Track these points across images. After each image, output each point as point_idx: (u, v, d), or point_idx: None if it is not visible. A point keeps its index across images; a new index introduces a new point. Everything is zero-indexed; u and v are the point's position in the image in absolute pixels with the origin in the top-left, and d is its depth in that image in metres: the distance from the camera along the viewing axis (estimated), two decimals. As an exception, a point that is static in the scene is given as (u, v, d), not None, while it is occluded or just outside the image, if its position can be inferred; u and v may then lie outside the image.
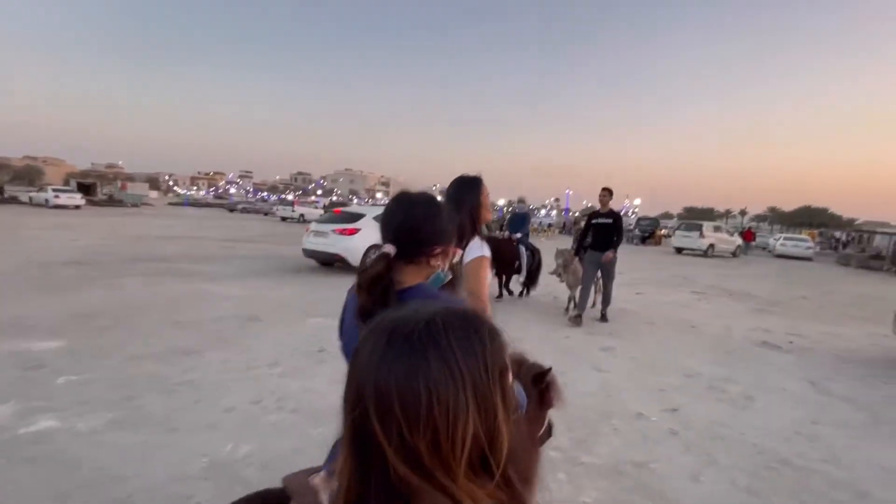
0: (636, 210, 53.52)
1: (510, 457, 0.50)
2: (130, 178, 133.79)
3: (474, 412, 0.46)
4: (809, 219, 71.95)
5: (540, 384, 1.19)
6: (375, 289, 0.94)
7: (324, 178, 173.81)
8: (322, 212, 31.22)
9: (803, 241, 25.10)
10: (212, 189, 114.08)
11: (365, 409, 0.47)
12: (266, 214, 38.75)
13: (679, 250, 21.33)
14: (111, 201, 39.91)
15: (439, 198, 1.22)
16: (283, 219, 32.12)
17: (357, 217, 9.03)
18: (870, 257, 22.06)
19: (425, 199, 1.10)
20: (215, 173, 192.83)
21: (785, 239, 25.96)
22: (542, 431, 1.26)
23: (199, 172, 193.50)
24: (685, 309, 7.72)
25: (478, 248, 1.72)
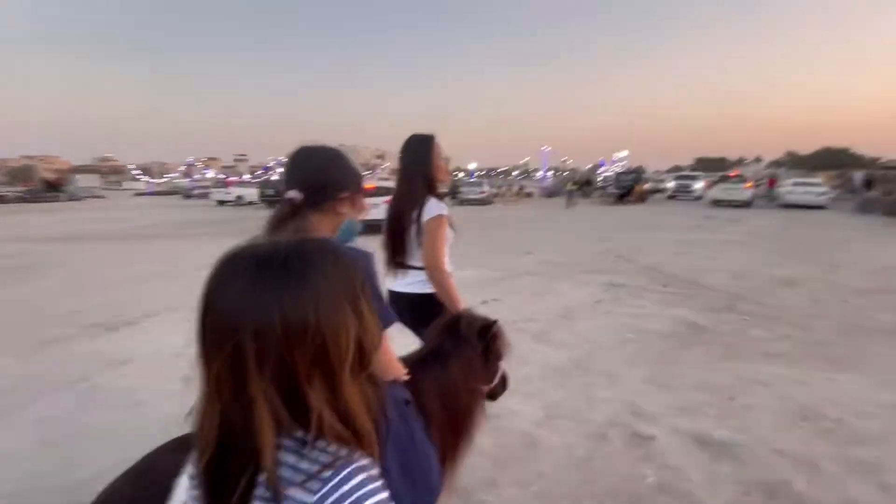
0: (623, 162, 48.13)
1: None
2: (117, 170, 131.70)
3: (354, 321, 0.51)
4: (829, 161, 65.91)
5: (486, 336, 1.39)
6: (280, 232, 0.94)
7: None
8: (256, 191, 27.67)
9: (815, 186, 20.44)
10: (200, 174, 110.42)
11: (240, 342, 0.46)
12: (191, 198, 36.76)
13: (717, 202, 21.03)
14: (51, 195, 36.82)
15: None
16: (221, 202, 28.59)
17: (391, 190, 10.59)
18: (899, 201, 17.52)
19: (326, 149, 1.09)
20: (210, 159, 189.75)
21: (793, 185, 21.33)
22: (495, 383, 1.47)
23: (195, 159, 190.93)
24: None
25: (435, 208, 1.71)
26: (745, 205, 20.31)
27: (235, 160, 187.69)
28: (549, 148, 47.85)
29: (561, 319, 4.58)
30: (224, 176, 53.84)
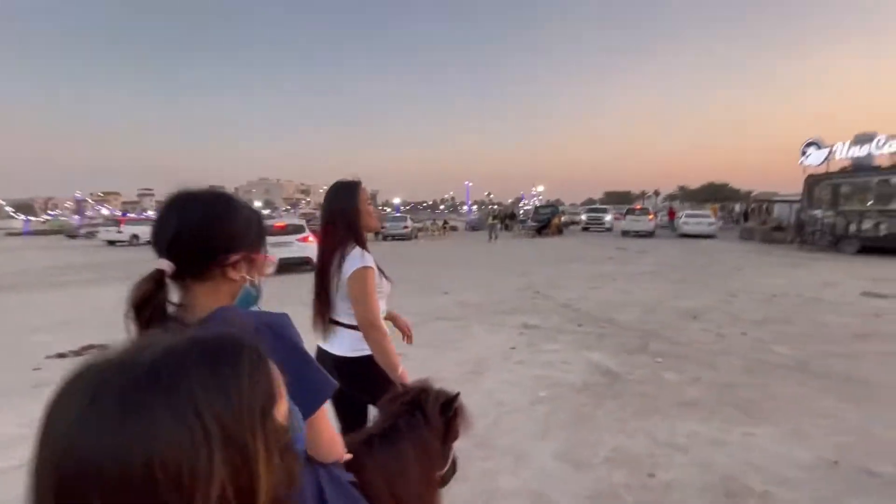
0: (540, 197, 50.86)
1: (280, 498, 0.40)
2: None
3: (222, 471, 0.35)
4: (714, 194, 75.25)
5: (448, 412, 1.22)
6: (143, 317, 0.70)
7: (237, 188, 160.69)
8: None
9: (705, 218, 22.79)
10: (94, 210, 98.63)
11: (43, 498, 0.34)
12: (77, 238, 33.50)
13: (625, 232, 22.94)
14: None
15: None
16: (111, 242, 25.24)
17: (301, 227, 11.90)
18: (772, 229, 19.97)
19: (207, 197, 0.82)
20: (107, 193, 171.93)
21: (687, 216, 23.62)
22: (446, 468, 1.24)
23: (91, 194, 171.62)
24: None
25: (357, 259, 1.57)
26: (650, 234, 22.34)
27: (140, 194, 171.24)
28: (471, 183, 49.19)
29: (470, 376, 4.05)
30: (121, 213, 48.41)
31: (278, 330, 0.77)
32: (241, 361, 0.40)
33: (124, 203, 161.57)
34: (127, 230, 25.35)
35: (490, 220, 22.42)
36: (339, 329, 1.64)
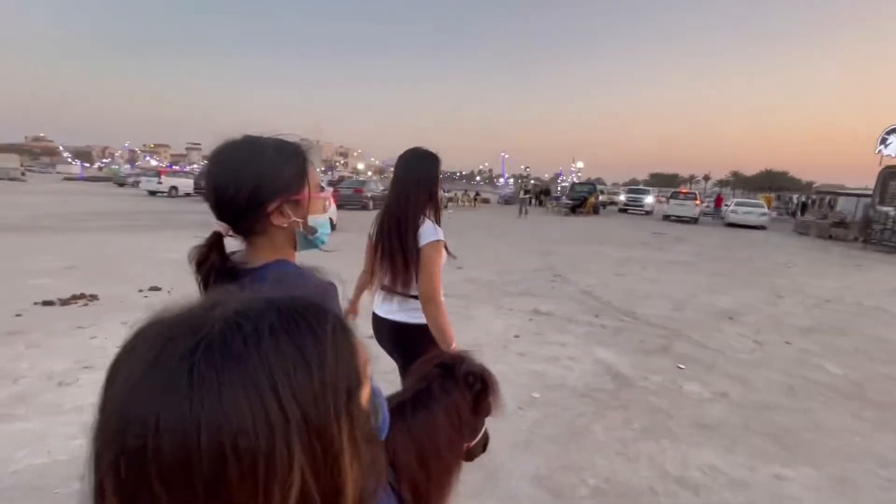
0: (579, 174, 48.35)
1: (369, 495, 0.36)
2: (51, 151, 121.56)
3: (302, 461, 0.30)
4: (771, 183, 70.41)
5: (476, 385, 1.11)
6: (202, 274, 0.75)
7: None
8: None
9: (756, 207, 20.97)
10: (143, 161, 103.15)
11: (100, 465, 0.30)
12: (125, 187, 35.21)
13: (667, 216, 21.81)
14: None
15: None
16: (152, 192, 26.17)
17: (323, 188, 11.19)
18: (832, 224, 18.15)
19: (235, 149, 0.79)
20: (157, 145, 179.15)
21: (736, 204, 21.86)
22: (475, 442, 1.17)
23: (143, 145, 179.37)
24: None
25: (432, 232, 1.57)
26: (693, 220, 21.00)
27: (188, 148, 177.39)
28: (508, 155, 47.67)
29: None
30: (167, 165, 50.54)
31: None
32: (324, 331, 0.34)
33: (172, 156, 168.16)
34: (166, 181, 26.12)
35: (521, 195, 21.45)
36: (395, 296, 1.64)
